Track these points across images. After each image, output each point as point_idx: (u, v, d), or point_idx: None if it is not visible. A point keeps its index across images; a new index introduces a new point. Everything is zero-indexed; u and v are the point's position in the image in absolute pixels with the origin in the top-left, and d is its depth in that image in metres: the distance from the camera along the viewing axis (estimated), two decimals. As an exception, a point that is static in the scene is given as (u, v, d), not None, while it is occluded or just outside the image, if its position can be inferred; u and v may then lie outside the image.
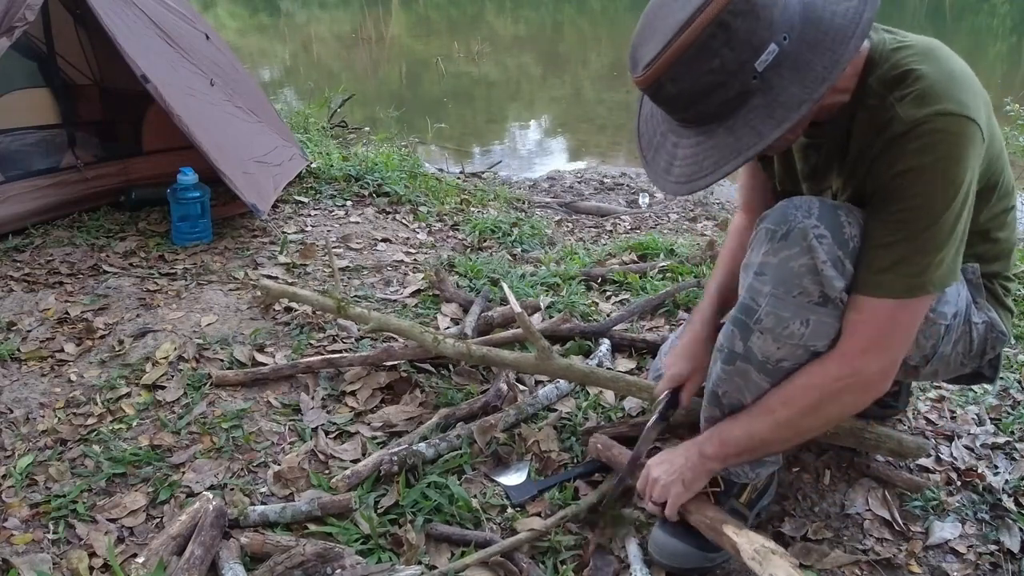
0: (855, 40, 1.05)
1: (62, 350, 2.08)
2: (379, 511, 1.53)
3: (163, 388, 1.93)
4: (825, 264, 1.18)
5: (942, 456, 1.68)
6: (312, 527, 1.49)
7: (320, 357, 2.01)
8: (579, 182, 5.14)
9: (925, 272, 1.16)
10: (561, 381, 1.92)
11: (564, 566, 1.40)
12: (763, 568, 1.17)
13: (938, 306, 1.29)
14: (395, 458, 1.60)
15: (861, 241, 1.20)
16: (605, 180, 5.19)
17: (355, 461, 1.68)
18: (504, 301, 2.38)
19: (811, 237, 1.18)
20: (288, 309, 2.33)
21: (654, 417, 1.49)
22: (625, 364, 2.06)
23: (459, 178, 4.77)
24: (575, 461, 1.69)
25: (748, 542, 1.22)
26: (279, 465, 1.67)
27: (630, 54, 1.13)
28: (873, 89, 1.17)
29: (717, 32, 1.02)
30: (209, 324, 2.22)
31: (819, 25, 1.06)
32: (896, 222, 1.16)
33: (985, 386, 1.93)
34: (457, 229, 3.30)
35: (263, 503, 1.56)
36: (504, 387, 1.87)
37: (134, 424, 1.80)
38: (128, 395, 1.90)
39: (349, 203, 3.37)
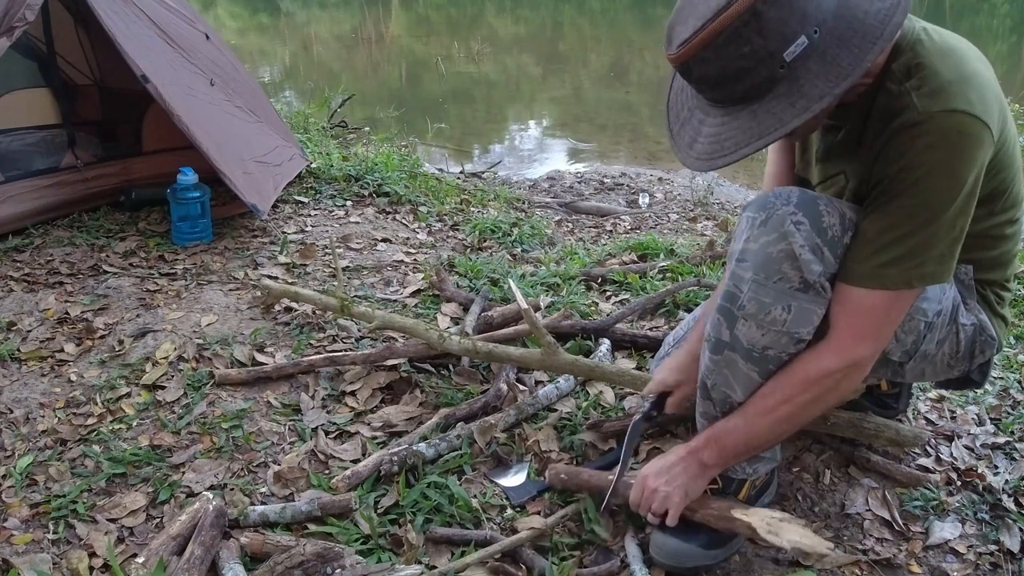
0: (882, 41, 1.07)
1: (62, 350, 2.08)
2: (379, 511, 1.53)
3: (163, 388, 1.93)
4: (803, 249, 1.19)
5: (942, 456, 1.68)
6: (312, 527, 1.49)
7: (322, 355, 2.01)
8: (579, 182, 5.13)
9: (924, 265, 1.18)
10: (561, 380, 1.92)
11: (564, 562, 1.40)
12: (780, 538, 1.21)
13: (918, 302, 1.30)
14: (395, 458, 1.60)
15: (842, 231, 1.22)
16: (605, 180, 5.19)
17: (355, 461, 1.68)
18: (504, 300, 2.38)
19: (788, 223, 1.20)
20: (288, 309, 2.33)
21: (638, 416, 1.51)
22: (626, 363, 2.06)
23: (459, 178, 4.77)
24: (575, 461, 1.69)
25: (760, 519, 1.26)
26: (279, 465, 1.67)
27: (666, 30, 1.16)
28: (895, 75, 1.19)
29: (751, 20, 1.05)
30: (209, 324, 2.22)
31: (851, 22, 1.09)
32: (899, 217, 1.17)
33: (985, 387, 1.93)
34: (457, 229, 3.30)
35: (263, 503, 1.56)
36: (504, 387, 1.87)
37: (134, 424, 1.80)
38: (128, 395, 1.90)
39: (349, 203, 3.37)
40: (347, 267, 2.67)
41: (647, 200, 4.75)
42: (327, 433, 1.79)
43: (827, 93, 1.08)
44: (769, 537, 1.23)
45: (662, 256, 2.84)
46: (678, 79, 1.30)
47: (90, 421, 1.80)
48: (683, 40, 1.10)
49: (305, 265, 2.68)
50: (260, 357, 2.07)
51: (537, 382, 1.99)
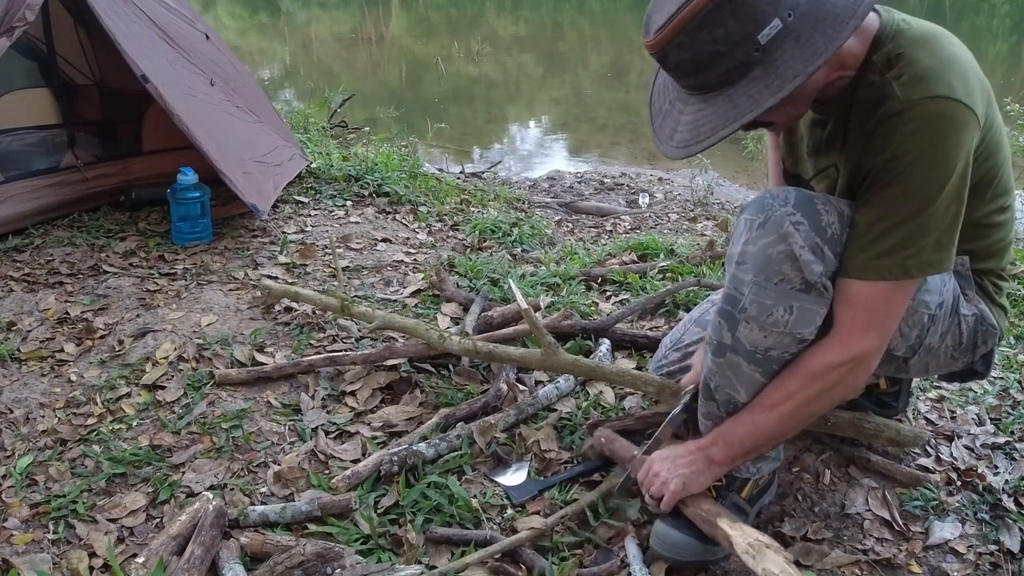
0: (855, 20, 1.09)
1: (62, 350, 2.08)
2: (379, 511, 1.53)
3: (163, 388, 1.92)
4: (803, 249, 1.20)
5: (942, 456, 1.68)
6: (312, 527, 1.49)
7: (322, 355, 2.01)
8: (579, 182, 5.14)
9: (921, 254, 1.18)
10: (561, 380, 1.92)
11: (564, 562, 1.40)
12: (756, 562, 1.17)
13: (920, 295, 1.30)
14: (395, 458, 1.60)
15: (841, 229, 1.23)
16: (605, 180, 5.19)
17: (355, 461, 1.68)
18: (504, 300, 2.38)
19: (787, 224, 1.21)
20: (288, 309, 2.33)
21: (677, 408, 1.49)
22: (626, 363, 2.06)
23: (459, 178, 4.78)
24: (575, 461, 1.69)
25: (742, 536, 1.23)
26: (279, 465, 1.67)
27: (644, 20, 1.18)
28: (876, 66, 1.20)
29: (724, 3, 1.07)
30: (209, 324, 2.22)
31: (823, 5, 1.10)
32: (892, 205, 1.18)
33: (985, 386, 1.93)
34: (457, 229, 3.30)
35: (263, 503, 1.56)
36: (504, 387, 1.87)
37: (134, 424, 1.80)
38: (128, 395, 1.90)
39: (349, 203, 3.37)
40: (347, 267, 2.67)
41: (647, 200, 4.75)
42: (327, 433, 1.79)
43: (801, 72, 1.09)
44: (745, 557, 1.19)
45: (662, 256, 2.84)
46: (660, 75, 1.32)
47: (90, 421, 1.80)
48: (659, 26, 1.12)
49: (305, 265, 2.68)
50: (260, 357, 2.07)
51: (537, 382, 1.99)
